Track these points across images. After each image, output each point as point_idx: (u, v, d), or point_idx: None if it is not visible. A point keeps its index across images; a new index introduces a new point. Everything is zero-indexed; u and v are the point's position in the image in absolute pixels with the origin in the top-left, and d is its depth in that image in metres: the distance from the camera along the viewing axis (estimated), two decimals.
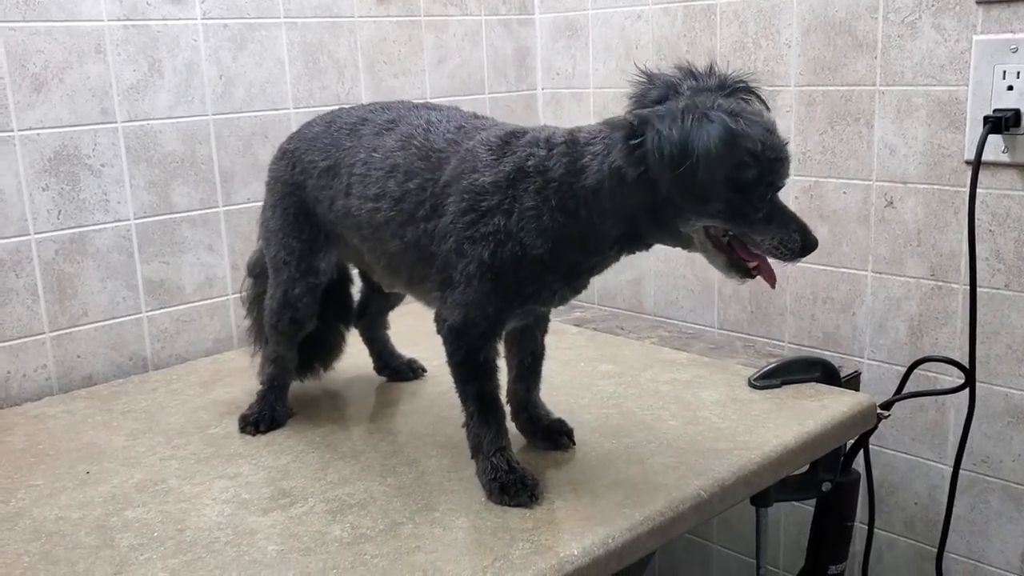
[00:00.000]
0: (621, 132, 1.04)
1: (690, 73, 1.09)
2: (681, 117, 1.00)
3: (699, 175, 0.99)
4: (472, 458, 1.22)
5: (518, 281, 1.13)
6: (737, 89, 1.08)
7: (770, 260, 1.12)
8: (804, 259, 1.11)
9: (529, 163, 1.11)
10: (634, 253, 1.16)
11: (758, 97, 1.10)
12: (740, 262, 1.11)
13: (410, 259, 1.23)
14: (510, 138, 1.16)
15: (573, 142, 1.11)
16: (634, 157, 1.02)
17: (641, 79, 1.12)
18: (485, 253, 1.11)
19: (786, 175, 1.07)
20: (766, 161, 1.03)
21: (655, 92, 1.09)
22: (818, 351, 1.83)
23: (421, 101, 1.39)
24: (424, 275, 1.22)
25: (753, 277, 1.13)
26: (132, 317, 1.71)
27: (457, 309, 1.16)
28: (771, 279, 1.13)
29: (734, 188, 1.03)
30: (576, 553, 1.05)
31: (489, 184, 1.12)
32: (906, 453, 1.78)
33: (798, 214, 1.11)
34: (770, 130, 1.05)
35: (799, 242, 1.08)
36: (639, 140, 1.01)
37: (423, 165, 1.21)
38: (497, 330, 1.18)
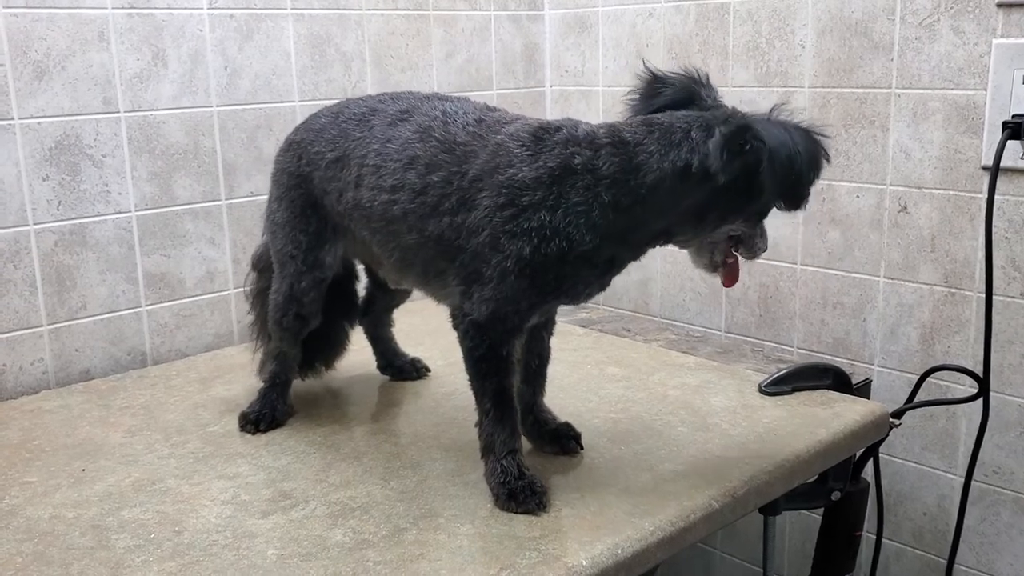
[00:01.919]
0: (721, 138, 1.04)
1: (700, 81, 1.13)
2: (785, 128, 1.05)
3: (804, 183, 1.06)
4: (482, 458, 1.19)
5: (559, 276, 1.13)
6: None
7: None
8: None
9: (576, 161, 1.10)
10: (654, 247, 1.18)
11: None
12: (725, 259, 1.19)
13: (428, 253, 1.21)
14: (542, 133, 1.14)
15: (621, 143, 1.10)
16: (737, 162, 1.04)
17: (646, 77, 1.15)
18: (526, 248, 1.10)
19: None
20: None
21: (669, 93, 1.12)
22: (827, 357, 1.81)
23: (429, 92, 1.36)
24: (442, 269, 1.20)
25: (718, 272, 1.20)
26: (131, 311, 1.68)
27: (485, 304, 1.13)
28: (736, 278, 1.21)
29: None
30: (584, 563, 1.02)
31: (530, 180, 1.10)
32: (915, 462, 1.75)
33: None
34: None
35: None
36: (749, 147, 1.03)
37: (447, 158, 1.18)
38: (523, 325, 1.17)
